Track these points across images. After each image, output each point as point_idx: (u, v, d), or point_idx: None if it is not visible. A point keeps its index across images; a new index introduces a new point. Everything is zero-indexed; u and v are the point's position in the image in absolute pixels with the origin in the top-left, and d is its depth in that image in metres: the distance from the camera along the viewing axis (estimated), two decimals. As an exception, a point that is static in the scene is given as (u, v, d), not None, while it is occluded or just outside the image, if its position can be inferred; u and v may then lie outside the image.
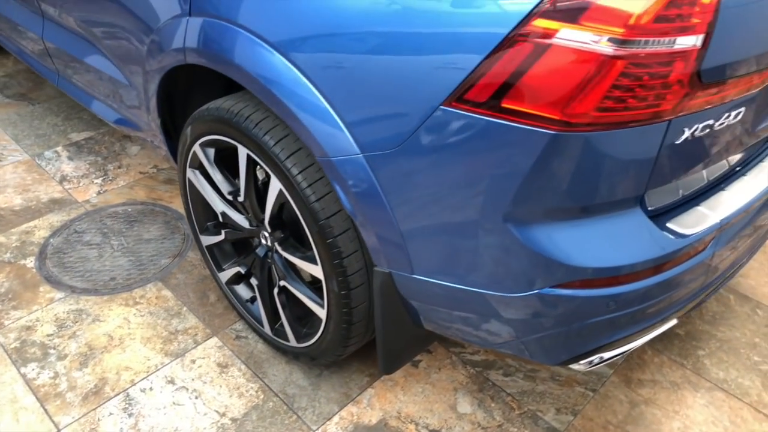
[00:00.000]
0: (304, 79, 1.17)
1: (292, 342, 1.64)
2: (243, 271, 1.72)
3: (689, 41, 0.87)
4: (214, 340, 1.81)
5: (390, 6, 1.03)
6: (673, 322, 1.33)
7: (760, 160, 1.37)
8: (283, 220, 1.51)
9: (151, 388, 1.66)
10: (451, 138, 1.04)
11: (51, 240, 2.16)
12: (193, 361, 1.75)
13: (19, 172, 2.52)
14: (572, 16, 0.88)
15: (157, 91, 1.66)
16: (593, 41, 0.87)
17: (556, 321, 1.15)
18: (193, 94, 1.76)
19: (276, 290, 1.61)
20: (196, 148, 1.60)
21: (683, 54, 0.88)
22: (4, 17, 2.45)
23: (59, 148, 2.68)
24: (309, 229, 1.35)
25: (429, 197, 1.12)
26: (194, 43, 1.39)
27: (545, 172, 1.00)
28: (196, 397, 1.64)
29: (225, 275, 1.80)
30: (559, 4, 0.88)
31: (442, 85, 1.00)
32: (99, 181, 2.48)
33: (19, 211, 2.30)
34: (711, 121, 1.03)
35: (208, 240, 1.79)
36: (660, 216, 1.18)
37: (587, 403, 1.68)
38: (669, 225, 1.16)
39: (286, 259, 1.53)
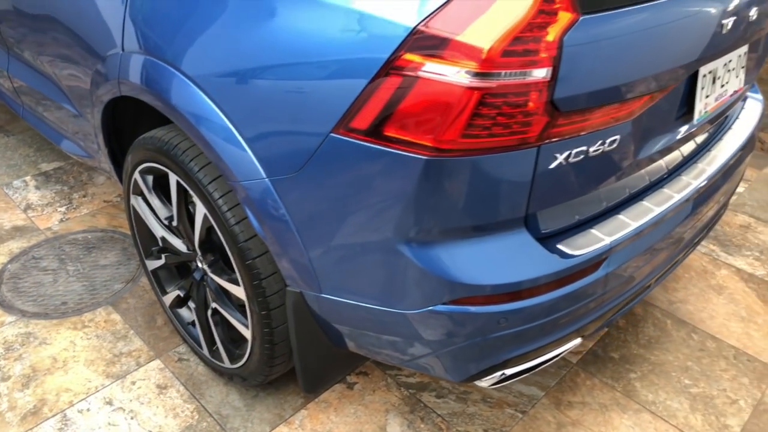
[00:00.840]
0: (216, 109, 1.25)
1: (227, 363, 1.69)
2: (182, 295, 1.78)
3: (539, 73, 0.95)
4: (157, 363, 1.86)
5: (283, 40, 1.12)
6: (577, 341, 1.38)
7: (662, 187, 1.44)
8: (212, 244, 1.57)
9: (88, 409, 1.70)
10: (342, 163, 1.11)
11: (8, 266, 2.23)
12: (134, 383, 1.79)
13: (-13, 200, 2.60)
14: (435, 51, 0.96)
15: (102, 121, 1.74)
16: (453, 74, 0.95)
17: (451, 337, 1.21)
18: (140, 125, 1.85)
19: (210, 312, 1.67)
20: (136, 175, 1.67)
21: (535, 85, 0.96)
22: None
23: (28, 178, 2.77)
24: (231, 252, 1.42)
25: (329, 219, 1.19)
26: (125, 76, 1.48)
27: (426, 196, 1.07)
28: (132, 418, 1.68)
29: (168, 298, 1.85)
30: (423, 40, 0.96)
31: (331, 114, 1.08)
32: (63, 209, 2.55)
33: (-18, 238, 2.37)
34: (583, 148, 1.11)
35: (152, 264, 1.85)
36: (553, 237, 1.25)
37: (515, 425, 1.71)
38: (559, 246, 1.22)
39: (216, 282, 1.59)
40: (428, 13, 0.95)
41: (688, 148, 1.52)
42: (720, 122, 1.68)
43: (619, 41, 0.99)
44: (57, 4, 1.72)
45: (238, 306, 1.59)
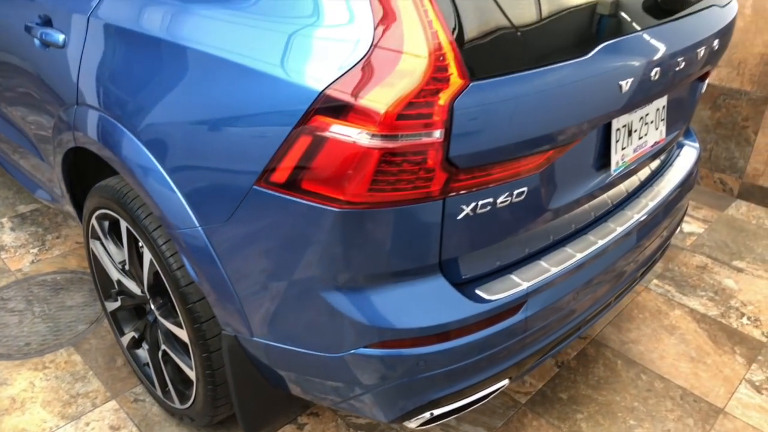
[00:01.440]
0: (155, 161, 1.33)
1: (177, 404, 1.73)
2: (137, 336, 1.84)
3: (433, 135, 1.03)
4: (112, 403, 1.90)
5: (210, 100, 1.21)
6: (505, 382, 1.43)
7: (586, 233, 1.51)
8: (160, 288, 1.64)
9: (40, 449, 1.74)
10: (265, 214, 1.19)
11: (-23, 307, 2.28)
12: (87, 424, 1.83)
13: (-38, 242, 2.67)
14: (339, 113, 1.04)
15: (63, 168, 1.83)
16: (356, 135, 1.03)
17: (376, 379, 1.26)
18: (102, 173, 1.93)
19: (160, 353, 1.72)
20: (93, 221, 1.75)
21: (430, 145, 1.04)
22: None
23: (4, 220, 2.84)
24: (173, 296, 1.48)
25: (256, 266, 1.26)
26: (78, 128, 1.57)
27: (340, 244, 1.14)
28: (82, 458, 1.72)
29: (125, 339, 1.90)
30: (329, 103, 1.04)
31: (253, 168, 1.16)
32: (35, 250, 2.62)
33: (-46, 279, 2.43)
34: (490, 199, 1.18)
35: (110, 306, 1.91)
36: (473, 282, 1.31)
37: (459, 465, 1.74)
38: (477, 291, 1.29)
39: (164, 325, 1.65)
40: (333, 79, 1.04)
41: (615, 195, 1.60)
42: (651, 169, 1.76)
43: (510, 103, 1.07)
44: (24, 59, 1.82)
45: (184, 348, 1.64)
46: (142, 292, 1.73)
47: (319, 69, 1.06)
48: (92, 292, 2.37)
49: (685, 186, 1.82)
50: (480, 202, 1.17)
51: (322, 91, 1.04)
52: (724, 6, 1.63)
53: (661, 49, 1.35)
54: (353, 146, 1.04)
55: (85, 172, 1.91)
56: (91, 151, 1.72)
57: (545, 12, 1.16)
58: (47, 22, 1.65)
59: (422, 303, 1.22)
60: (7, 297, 2.34)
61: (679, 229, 2.01)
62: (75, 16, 1.55)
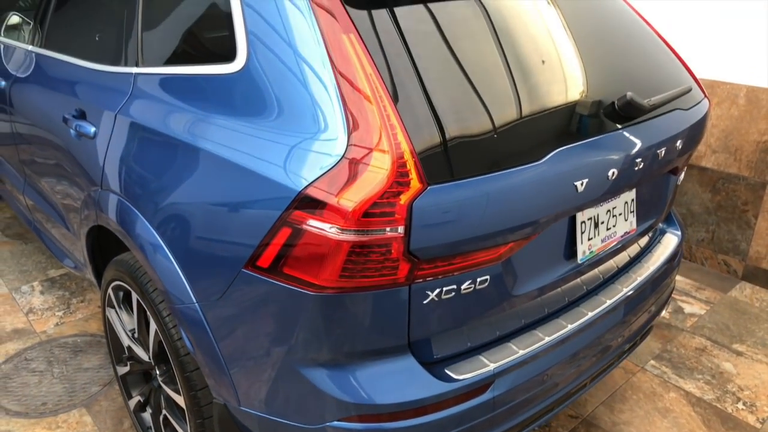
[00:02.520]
0: (160, 240, 1.50)
1: (175, 467, 1.83)
2: (142, 400, 1.96)
3: (396, 230, 1.17)
4: (116, 465, 2.01)
5: (205, 191, 1.38)
6: (477, 458, 1.50)
7: (556, 317, 1.60)
8: (164, 356, 1.77)
9: (45, 507, 1.84)
10: (252, 294, 1.33)
11: (2, 366, 2.45)
12: (91, 483, 1.93)
13: (-5, 303, 2.87)
14: (315, 209, 1.19)
15: (87, 241, 2.02)
16: (328, 228, 1.18)
17: (349, 452, 1.35)
18: (120, 248, 2.12)
19: (161, 418, 1.83)
20: (110, 290, 1.92)
21: (393, 239, 1.17)
22: (3, 173, 2.94)
23: (35, 283, 3.05)
24: (173, 364, 1.61)
25: (243, 340, 1.39)
26: (100, 209, 1.76)
27: (316, 324, 1.27)
28: None
29: (132, 402, 2.03)
30: (307, 200, 1.20)
31: (242, 254, 1.31)
32: (60, 313, 2.81)
33: (-16, 338, 2.61)
34: (454, 286, 1.30)
35: (121, 370, 2.05)
36: (443, 361, 1.41)
37: None
38: (446, 370, 1.39)
39: (165, 391, 1.77)
40: (311, 180, 1.20)
41: (589, 279, 1.69)
42: (629, 256, 1.86)
43: (466, 204, 1.21)
44: (60, 144, 2.05)
45: (182, 414, 1.76)
46: (149, 358, 1.87)
47: (299, 170, 1.22)
48: (107, 355, 2.52)
49: (665, 272, 1.90)
50: (444, 289, 1.30)
51: (301, 189, 1.20)
52: (688, 109, 1.76)
53: (618, 152, 1.48)
54: (326, 238, 1.18)
55: (106, 245, 2.10)
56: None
57: (502, 120, 1.32)
58: (82, 115, 1.88)
59: (394, 380, 1.32)
60: (31, 357, 2.50)
61: (663, 313, 2.07)
62: (105, 112, 1.77)
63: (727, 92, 3.05)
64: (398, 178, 1.16)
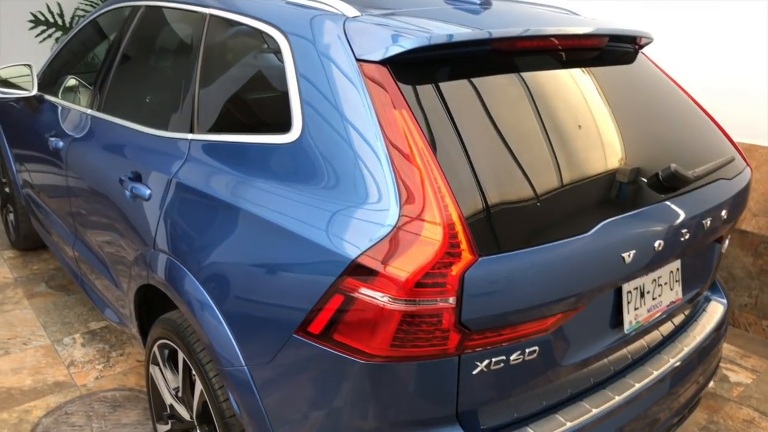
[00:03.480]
0: (212, 303, 1.54)
1: None
2: (182, 459, 1.97)
3: (447, 300, 1.19)
4: None
5: (259, 257, 1.42)
6: None
7: (603, 388, 1.58)
8: (208, 416, 1.78)
9: None
10: (301, 359, 1.35)
11: (43, 419, 2.48)
12: None
13: (38, 356, 2.93)
14: (368, 278, 1.22)
15: (134, 299, 2.07)
16: (380, 297, 1.20)
17: None
18: (166, 306, 2.17)
19: (201, 478, 1.83)
20: (155, 348, 1.95)
21: (444, 309, 1.19)
22: (52, 227, 3.06)
23: (77, 335, 3.11)
24: (218, 425, 1.63)
25: (290, 405, 1.40)
26: (151, 268, 1.82)
27: (364, 392, 1.28)
28: None
29: (171, 462, 2.03)
30: (360, 269, 1.23)
31: (293, 320, 1.34)
32: (100, 366, 2.85)
33: (27, 390, 2.66)
34: (503, 357, 1.31)
35: (161, 428, 2.06)
36: (491, 432, 1.40)
37: None
38: (494, 441, 1.37)
39: (208, 451, 1.78)
40: (365, 249, 1.23)
41: (635, 350, 1.67)
42: (674, 325, 1.83)
43: (516, 276, 1.23)
44: (115, 204, 2.14)
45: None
46: (191, 418, 1.88)
47: (352, 239, 1.26)
48: (146, 411, 2.54)
49: (713, 340, 1.87)
50: (493, 359, 1.30)
51: (355, 258, 1.23)
52: (732, 178, 1.77)
53: (663, 223, 1.49)
54: (378, 307, 1.21)
55: (152, 303, 2.15)
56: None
57: (549, 192, 1.35)
58: (137, 177, 1.96)
59: (440, 452, 1.31)
60: (71, 411, 2.53)
61: (712, 381, 2.02)
62: (160, 175, 1.85)
63: (765, 156, 3.04)
64: (450, 249, 1.18)
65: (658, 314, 1.64)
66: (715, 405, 2.68)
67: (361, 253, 1.23)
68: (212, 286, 1.56)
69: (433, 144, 1.29)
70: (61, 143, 2.60)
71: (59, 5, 5.93)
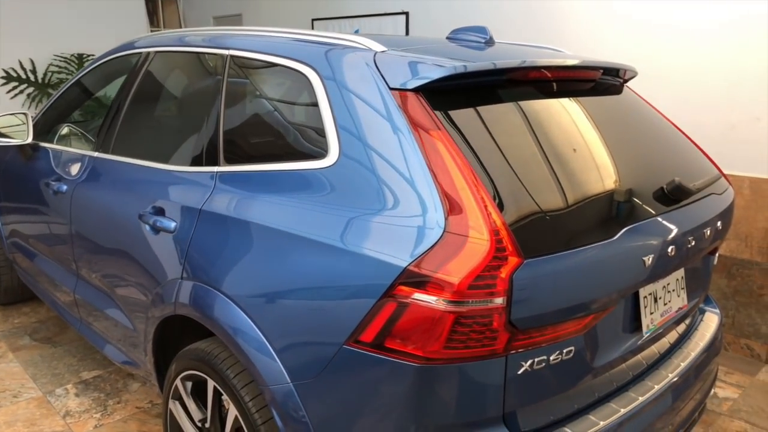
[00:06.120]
0: (252, 324, 1.58)
1: None
2: (206, 495, 1.94)
3: (497, 301, 1.28)
4: None
5: (306, 272, 1.48)
6: None
7: (627, 390, 1.67)
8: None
9: None
10: (352, 370, 1.40)
11: (44, 470, 2.39)
12: None
13: (31, 407, 2.83)
14: (420, 284, 1.30)
15: (153, 335, 2.07)
16: (434, 301, 1.28)
17: None
18: (183, 339, 2.17)
19: None
20: (178, 381, 1.95)
21: (496, 309, 1.28)
22: (44, 274, 3.01)
23: (69, 386, 3.03)
24: (256, 449, 1.63)
25: (339, 417, 1.44)
26: (183, 299, 1.84)
27: (419, 396, 1.33)
28: None
29: (192, 500, 2.00)
30: (412, 276, 1.31)
31: (343, 330, 1.40)
32: (98, 415, 2.77)
33: (22, 443, 2.56)
34: (544, 357, 1.39)
35: (180, 465, 2.03)
36: (531, 435, 1.47)
37: None
38: (536, 442, 1.44)
39: (239, 481, 1.77)
40: (416, 257, 1.31)
41: (648, 355, 1.78)
42: (678, 333, 1.96)
43: (557, 276, 1.33)
44: (129, 241, 2.16)
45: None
46: (217, 449, 1.87)
47: (401, 249, 1.34)
48: (152, 455, 2.48)
49: (713, 347, 2.00)
50: (536, 359, 1.38)
51: (406, 267, 1.31)
52: (721, 193, 1.95)
53: (674, 230, 1.64)
54: (432, 310, 1.28)
55: (167, 339, 2.15)
56: (180, 320, 1.98)
57: (577, 202, 1.47)
58: (159, 212, 2.00)
59: (490, 452, 1.37)
60: (73, 460, 2.45)
61: (712, 392, 2.14)
62: (186, 207, 1.90)
63: (732, 183, 3.29)
64: (497, 253, 1.28)
65: (670, 319, 1.76)
66: (708, 419, 2.80)
67: (413, 261, 1.31)
68: (252, 308, 1.60)
69: (469, 159, 1.40)
70: (65, 187, 2.61)
71: (32, 61, 5.94)
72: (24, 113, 3.05)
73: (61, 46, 6.07)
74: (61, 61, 6.04)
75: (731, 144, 3.26)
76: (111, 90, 2.76)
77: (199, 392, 1.94)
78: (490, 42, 1.97)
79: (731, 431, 2.71)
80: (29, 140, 2.95)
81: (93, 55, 6.03)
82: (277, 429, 1.58)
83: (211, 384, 1.79)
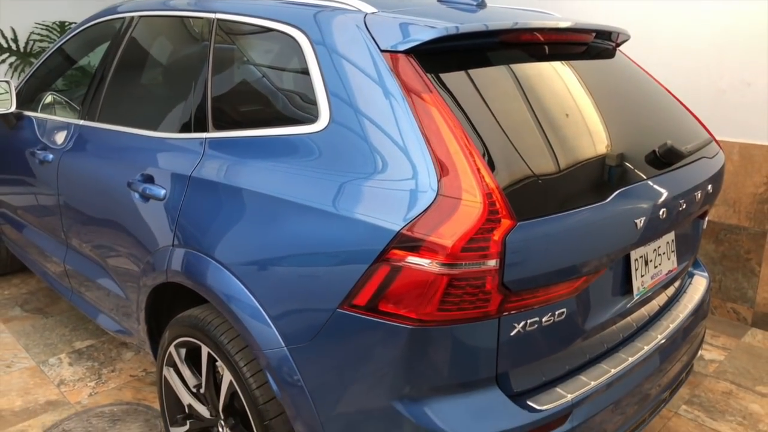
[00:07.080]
0: (246, 291, 1.58)
1: None
2: (202, 459, 1.96)
3: (490, 263, 1.28)
4: None
5: (299, 237, 1.48)
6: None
7: (617, 352, 1.70)
8: (233, 409, 1.80)
9: None
10: (346, 333, 1.41)
11: (40, 438, 2.41)
12: None
13: (24, 377, 2.84)
14: (414, 247, 1.30)
15: (146, 303, 2.07)
16: (427, 264, 1.28)
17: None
18: (175, 306, 2.17)
19: (226, 474, 1.84)
20: (172, 348, 1.96)
21: (488, 271, 1.28)
22: (33, 245, 2.99)
23: (62, 355, 3.03)
24: (251, 413, 1.65)
25: (334, 380, 1.45)
26: (175, 266, 1.83)
27: (413, 358, 1.34)
28: None
29: (188, 464, 2.02)
30: (405, 240, 1.30)
31: (337, 294, 1.40)
32: (92, 383, 2.78)
33: (18, 411, 2.57)
34: (536, 318, 1.40)
35: (177, 431, 2.05)
36: (523, 395, 1.49)
37: None
38: (528, 402, 1.46)
39: (235, 445, 1.79)
40: (409, 220, 1.31)
41: (638, 318, 1.80)
42: (668, 296, 1.98)
43: (550, 239, 1.33)
44: (119, 209, 2.14)
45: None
46: (212, 414, 1.89)
47: (394, 212, 1.33)
48: (147, 422, 2.50)
49: (701, 309, 2.03)
50: (529, 321, 1.39)
51: (399, 231, 1.31)
52: (712, 157, 1.95)
53: (665, 192, 1.64)
54: (426, 273, 1.29)
55: (160, 306, 2.15)
56: (171, 287, 1.97)
57: (569, 166, 1.47)
58: (148, 179, 1.98)
59: (483, 412, 1.39)
60: (69, 428, 2.47)
61: (699, 354, 2.17)
62: (176, 175, 1.88)
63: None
64: (490, 216, 1.28)
65: (660, 281, 1.78)
66: (695, 380, 2.86)
67: (406, 224, 1.31)
68: (245, 275, 1.59)
69: (461, 122, 1.39)
70: (51, 156, 2.57)
71: (13, 30, 5.80)
72: (6, 81, 2.98)
73: (42, 14, 5.91)
74: (42, 29, 5.89)
75: (721, 109, 3.26)
76: (95, 57, 2.70)
77: (193, 358, 1.94)
78: (481, 5, 1.94)
79: (717, 392, 2.77)
80: (12, 108, 2.90)
81: (75, 23, 5.89)
82: (273, 393, 1.59)
83: (205, 350, 1.80)
